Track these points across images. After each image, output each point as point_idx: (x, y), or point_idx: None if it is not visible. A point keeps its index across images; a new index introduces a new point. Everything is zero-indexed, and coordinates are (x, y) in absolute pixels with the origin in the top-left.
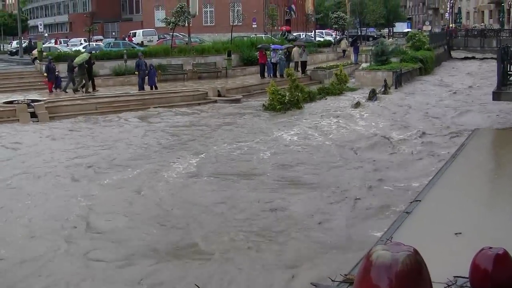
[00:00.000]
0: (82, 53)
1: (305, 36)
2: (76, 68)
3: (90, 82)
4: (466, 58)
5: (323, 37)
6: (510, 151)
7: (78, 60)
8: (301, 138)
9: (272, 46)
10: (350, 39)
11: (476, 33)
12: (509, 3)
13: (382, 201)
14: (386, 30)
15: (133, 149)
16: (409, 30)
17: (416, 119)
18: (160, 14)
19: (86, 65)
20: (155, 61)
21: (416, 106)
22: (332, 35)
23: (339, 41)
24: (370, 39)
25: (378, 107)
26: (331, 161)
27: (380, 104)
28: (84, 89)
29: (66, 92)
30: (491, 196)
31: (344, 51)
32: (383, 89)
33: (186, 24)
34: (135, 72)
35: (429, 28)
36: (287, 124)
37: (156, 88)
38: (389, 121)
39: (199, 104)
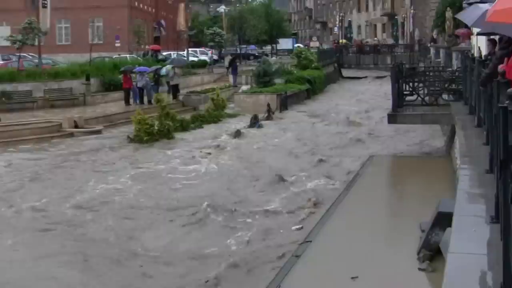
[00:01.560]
0: None
1: (177, 55)
2: None
3: None
4: (356, 78)
5: (197, 57)
6: (407, 179)
7: None
8: (157, 185)
9: (137, 69)
10: (228, 58)
11: (368, 49)
12: (403, 15)
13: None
14: (269, 47)
15: None
16: (296, 46)
17: (304, 147)
18: (3, 31)
19: None
20: None
21: (304, 134)
22: (207, 54)
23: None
24: (251, 57)
25: (260, 135)
26: (190, 214)
27: (263, 132)
28: None
29: None
30: (389, 231)
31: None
32: (266, 115)
33: (36, 43)
34: None
35: (317, 44)
36: (151, 158)
37: None
38: (273, 152)
39: (52, 138)
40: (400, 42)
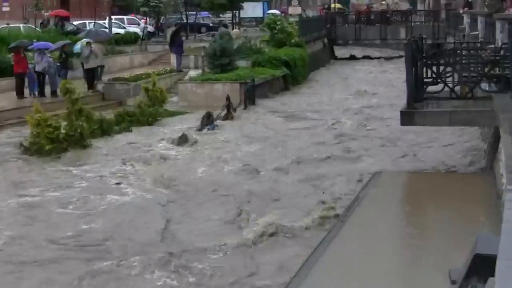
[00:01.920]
0: None
1: (94, 26)
2: None
3: None
4: (355, 58)
5: (124, 28)
6: (427, 206)
7: None
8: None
9: (35, 45)
10: (171, 30)
11: (373, 17)
12: None
13: None
14: (228, 14)
15: None
16: (269, 13)
17: (276, 163)
18: None
19: None
20: None
21: (277, 143)
22: (139, 24)
23: None
24: (203, 30)
25: (215, 143)
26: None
27: (218, 138)
28: None
29: None
30: (404, 284)
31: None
32: (224, 112)
33: None
34: None
35: (299, 10)
36: (46, 180)
37: None
38: (232, 173)
39: None
40: (420, 7)
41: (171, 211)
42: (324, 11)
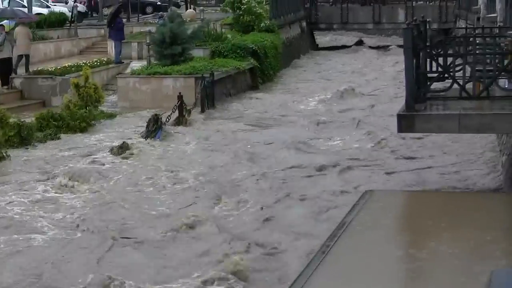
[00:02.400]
0: None
1: (9, 4)
2: None
3: None
4: (341, 47)
5: (48, 7)
6: (430, 233)
7: None
8: None
9: None
10: (112, 9)
11: None
12: None
13: None
14: None
15: None
16: None
17: (245, 183)
18: None
19: None
20: None
21: (246, 153)
22: (68, 3)
23: None
24: (149, 10)
25: (165, 155)
26: None
27: (168, 147)
28: None
29: None
30: None
31: None
32: (175, 115)
33: None
34: None
35: None
36: None
37: None
38: (182, 195)
39: None
40: None
41: (101, 252)
42: None
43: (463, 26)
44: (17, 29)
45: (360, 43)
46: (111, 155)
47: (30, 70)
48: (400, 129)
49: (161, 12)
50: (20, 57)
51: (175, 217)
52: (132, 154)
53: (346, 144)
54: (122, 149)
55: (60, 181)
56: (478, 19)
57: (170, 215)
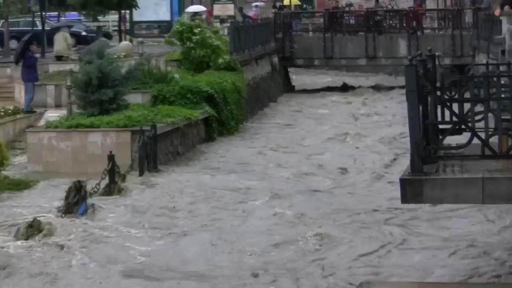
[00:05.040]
0: None
1: None
2: None
3: None
4: (324, 89)
5: None
6: None
7: None
8: None
9: None
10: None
11: (353, 21)
12: None
13: None
14: (114, 17)
15: None
16: (181, 17)
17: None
18: None
19: None
20: None
21: (200, 233)
22: None
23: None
24: (72, 41)
25: (90, 238)
26: None
27: (96, 229)
28: None
29: None
30: None
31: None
32: (105, 182)
33: None
34: None
35: (231, 10)
36: None
37: None
38: None
39: None
40: (431, 5)
41: None
42: (275, 11)
43: (483, 61)
44: None
45: (348, 87)
46: (15, 237)
47: None
48: (405, 199)
49: (86, 46)
50: None
51: None
52: (45, 235)
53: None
54: (31, 229)
55: None
56: (503, 52)
57: None
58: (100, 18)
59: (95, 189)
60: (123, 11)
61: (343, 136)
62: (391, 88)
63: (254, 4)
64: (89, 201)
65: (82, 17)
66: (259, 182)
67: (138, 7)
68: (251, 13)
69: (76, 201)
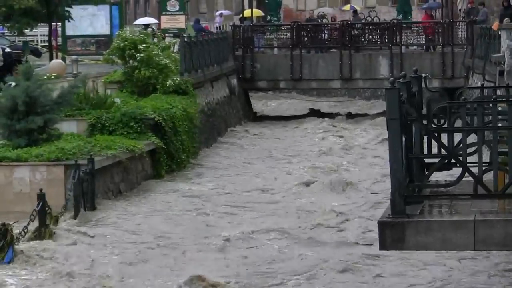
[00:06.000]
0: None
1: None
2: None
3: None
4: (290, 118)
5: None
6: None
7: None
8: None
9: None
10: None
11: (325, 35)
12: None
13: None
14: (43, 30)
15: None
16: (121, 31)
17: None
18: None
19: None
20: None
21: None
22: None
23: None
24: None
25: None
26: None
27: (23, 277)
28: None
29: None
30: None
31: None
32: (34, 225)
33: None
34: None
35: (182, 23)
36: None
37: None
38: None
39: None
40: (417, 17)
41: None
42: (232, 24)
43: (478, 84)
44: None
45: (315, 113)
46: None
47: None
48: (384, 245)
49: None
50: None
51: None
52: None
53: None
54: None
55: None
56: (501, 73)
57: None
58: (27, 32)
59: (23, 233)
60: (53, 24)
61: (312, 182)
62: (367, 115)
63: (218, 12)
64: (16, 247)
65: (5, 31)
66: None
67: (72, 19)
68: (214, 23)
69: (1, 247)
